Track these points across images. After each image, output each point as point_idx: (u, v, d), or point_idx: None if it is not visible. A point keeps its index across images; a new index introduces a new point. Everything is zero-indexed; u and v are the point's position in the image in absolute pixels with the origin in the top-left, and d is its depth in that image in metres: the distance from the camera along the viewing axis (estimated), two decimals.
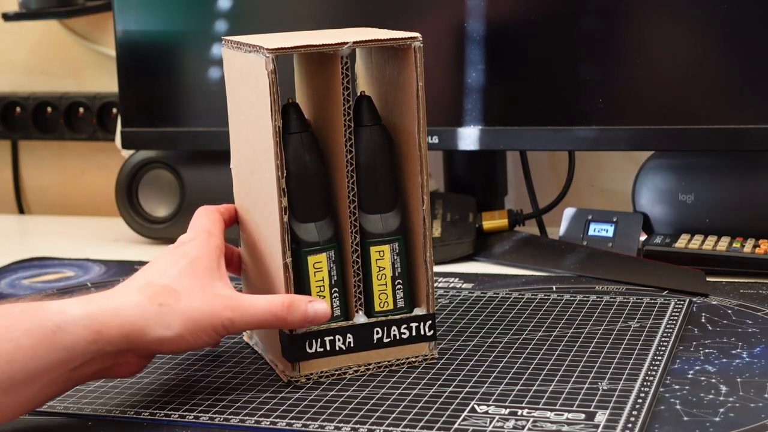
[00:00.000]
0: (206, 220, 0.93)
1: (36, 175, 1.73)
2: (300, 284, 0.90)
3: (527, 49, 1.25)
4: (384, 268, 0.92)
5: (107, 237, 1.48)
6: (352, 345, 0.91)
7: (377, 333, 0.91)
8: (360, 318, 0.91)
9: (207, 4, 1.34)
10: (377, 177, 0.91)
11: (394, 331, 0.92)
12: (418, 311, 0.92)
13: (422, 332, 0.92)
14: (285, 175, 0.88)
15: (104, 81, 1.64)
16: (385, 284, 0.92)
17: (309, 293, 0.90)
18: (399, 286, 0.92)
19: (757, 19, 1.15)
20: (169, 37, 1.37)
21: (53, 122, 1.65)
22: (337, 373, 0.91)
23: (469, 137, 1.27)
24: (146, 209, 1.42)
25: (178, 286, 0.84)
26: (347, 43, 0.88)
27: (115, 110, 1.61)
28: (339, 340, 0.90)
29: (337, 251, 0.91)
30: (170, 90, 1.38)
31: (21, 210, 1.73)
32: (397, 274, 0.92)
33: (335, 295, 0.91)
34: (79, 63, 1.66)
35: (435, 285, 1.14)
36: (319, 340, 0.90)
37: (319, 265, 0.91)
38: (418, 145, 0.89)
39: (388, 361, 0.92)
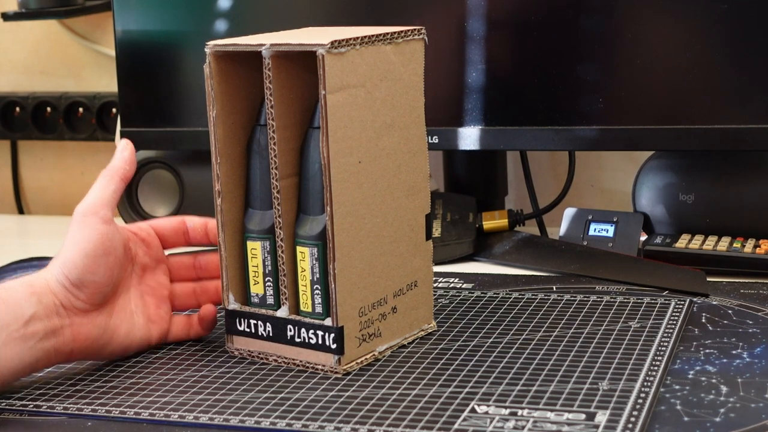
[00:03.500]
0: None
1: (36, 175, 1.73)
2: (241, 266, 0.97)
3: (527, 49, 1.24)
4: (305, 270, 0.92)
5: None
6: (271, 335, 0.94)
7: (290, 330, 0.93)
8: (281, 311, 0.94)
9: (207, 4, 1.34)
10: (307, 179, 0.92)
11: (303, 332, 0.93)
12: (327, 321, 0.91)
13: (327, 343, 0.91)
14: (219, 161, 0.94)
15: (104, 81, 1.64)
16: (306, 286, 0.93)
17: (247, 276, 0.96)
18: (317, 291, 0.92)
19: (757, 19, 1.15)
20: (169, 37, 1.37)
21: (53, 122, 1.65)
22: (261, 356, 0.95)
23: (469, 137, 1.27)
24: (146, 209, 1.42)
25: None
26: (265, 45, 0.89)
27: (114, 110, 1.61)
28: (260, 326, 0.95)
29: (273, 243, 0.94)
30: (170, 90, 1.38)
31: (21, 210, 1.73)
32: (315, 278, 0.92)
33: (268, 284, 0.95)
34: (78, 63, 1.66)
35: (435, 285, 1.15)
36: (245, 320, 0.96)
37: (255, 252, 0.95)
38: (321, 154, 0.89)
39: (300, 361, 0.93)
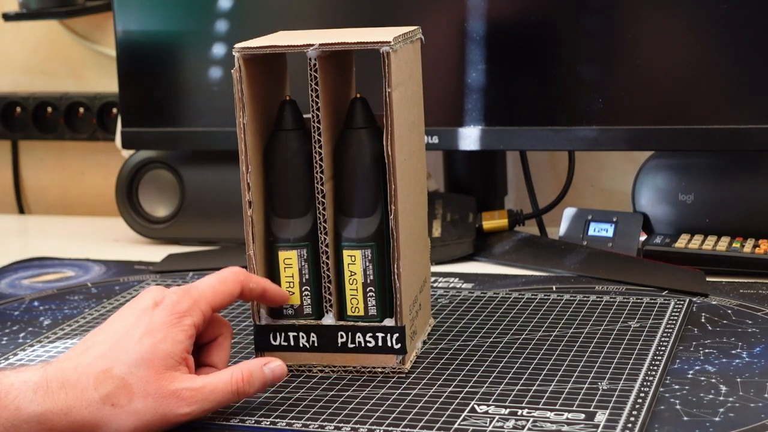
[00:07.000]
0: (204, 289, 0.86)
1: (36, 175, 1.73)
2: (272, 278, 0.92)
3: (527, 49, 1.25)
4: (355, 273, 0.91)
5: (107, 237, 1.48)
6: (316, 344, 0.91)
7: (341, 337, 0.91)
8: (327, 319, 0.91)
9: (207, 4, 1.34)
10: (353, 180, 0.91)
11: (359, 337, 0.91)
12: (388, 322, 0.90)
13: (389, 344, 0.90)
14: (249, 170, 0.90)
15: (104, 81, 1.64)
16: (356, 290, 0.91)
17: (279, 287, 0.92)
18: (371, 293, 0.91)
19: (757, 19, 1.15)
20: (169, 37, 1.37)
21: (53, 122, 1.65)
22: (302, 369, 0.92)
23: (469, 137, 1.27)
24: (146, 209, 1.42)
25: (133, 379, 0.80)
26: (313, 45, 0.88)
27: (115, 110, 1.61)
28: (303, 337, 0.92)
29: (311, 250, 0.92)
30: (170, 90, 1.38)
31: (21, 210, 1.73)
32: (368, 281, 0.91)
33: (306, 292, 0.92)
34: (79, 63, 1.66)
35: (435, 285, 1.15)
36: (283, 334, 0.92)
37: (290, 261, 0.92)
38: (386, 152, 0.88)
39: (353, 367, 0.91)
